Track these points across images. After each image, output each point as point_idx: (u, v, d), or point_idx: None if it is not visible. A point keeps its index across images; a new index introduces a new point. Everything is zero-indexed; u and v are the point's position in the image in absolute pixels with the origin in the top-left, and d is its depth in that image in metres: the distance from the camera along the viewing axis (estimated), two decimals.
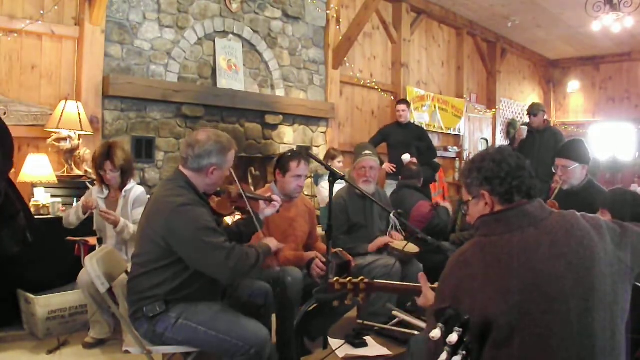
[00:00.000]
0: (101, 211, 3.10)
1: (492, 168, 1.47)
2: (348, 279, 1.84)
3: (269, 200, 2.57)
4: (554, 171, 3.37)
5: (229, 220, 2.90)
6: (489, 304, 1.31)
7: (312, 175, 5.52)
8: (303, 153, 3.06)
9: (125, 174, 3.26)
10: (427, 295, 1.73)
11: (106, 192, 3.32)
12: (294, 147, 5.68)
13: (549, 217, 1.42)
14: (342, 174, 2.61)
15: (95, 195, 3.31)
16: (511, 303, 1.29)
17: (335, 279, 1.84)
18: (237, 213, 2.62)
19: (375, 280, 1.98)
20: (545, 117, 6.02)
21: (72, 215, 3.23)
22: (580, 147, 3.33)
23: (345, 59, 6.17)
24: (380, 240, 3.45)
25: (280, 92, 5.56)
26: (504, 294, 1.30)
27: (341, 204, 3.47)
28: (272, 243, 2.40)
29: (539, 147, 5.63)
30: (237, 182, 2.46)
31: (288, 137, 5.64)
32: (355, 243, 3.41)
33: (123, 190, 3.29)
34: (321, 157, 5.39)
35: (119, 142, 3.43)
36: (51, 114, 3.87)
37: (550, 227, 1.39)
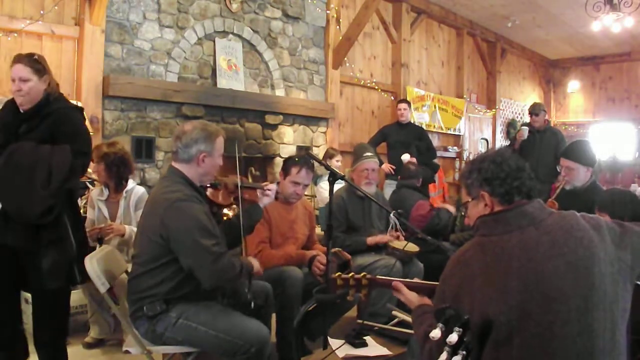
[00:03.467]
0: (105, 231, 3.09)
1: (492, 169, 1.47)
2: (350, 274, 1.84)
3: (264, 189, 2.59)
4: (558, 170, 3.37)
5: (228, 212, 2.89)
6: (489, 303, 1.31)
7: None
8: (308, 161, 3.02)
9: (112, 169, 3.18)
10: (408, 297, 1.72)
11: (106, 193, 3.30)
12: (294, 147, 5.68)
13: (549, 217, 1.42)
14: (342, 173, 2.62)
15: (96, 197, 3.30)
16: (511, 303, 1.30)
17: (337, 274, 1.84)
18: (236, 205, 2.62)
19: (378, 276, 1.98)
20: (546, 117, 6.02)
21: (90, 240, 3.24)
22: (586, 149, 3.32)
23: (345, 59, 6.17)
24: (380, 238, 3.44)
25: (280, 92, 5.56)
26: (504, 294, 1.31)
27: (340, 204, 3.47)
28: (255, 264, 2.38)
29: (540, 147, 5.63)
30: (238, 172, 2.47)
31: (288, 137, 5.64)
32: (353, 240, 3.42)
33: (124, 191, 3.27)
34: (320, 157, 5.39)
35: (114, 140, 3.44)
36: None
37: (550, 227, 1.39)
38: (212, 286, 2.18)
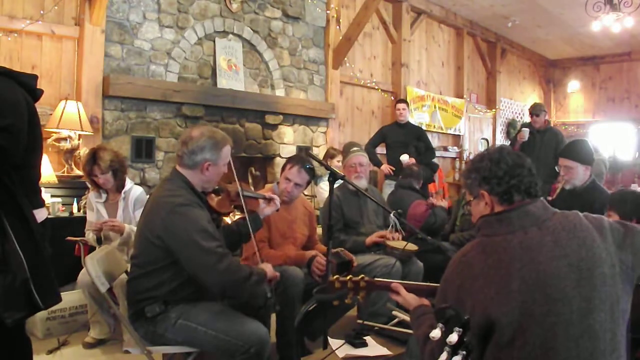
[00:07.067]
0: (109, 227, 3.08)
1: (489, 167, 1.47)
2: (348, 277, 1.83)
3: (268, 199, 2.58)
4: (557, 171, 3.37)
5: (228, 219, 2.89)
6: (491, 304, 1.31)
7: None
8: (304, 160, 3.02)
9: (117, 173, 3.21)
10: (407, 299, 1.72)
11: (104, 195, 3.29)
12: (294, 147, 5.68)
13: (552, 217, 1.41)
14: (343, 173, 2.62)
15: (94, 200, 3.30)
16: (513, 303, 1.29)
17: (335, 277, 1.83)
18: (236, 212, 2.62)
19: (376, 278, 1.97)
20: (546, 117, 6.02)
21: (91, 240, 3.24)
22: (584, 147, 3.33)
23: (345, 59, 6.17)
24: (378, 234, 3.43)
25: (280, 92, 5.56)
26: (506, 295, 1.30)
27: (334, 201, 3.47)
28: (268, 269, 2.36)
29: (540, 147, 5.63)
30: (237, 180, 2.45)
31: (288, 137, 5.64)
32: (352, 240, 3.41)
33: (122, 192, 3.27)
34: (320, 157, 5.38)
35: (102, 145, 3.43)
36: (51, 114, 3.87)
37: (553, 227, 1.38)
38: (221, 289, 2.14)
